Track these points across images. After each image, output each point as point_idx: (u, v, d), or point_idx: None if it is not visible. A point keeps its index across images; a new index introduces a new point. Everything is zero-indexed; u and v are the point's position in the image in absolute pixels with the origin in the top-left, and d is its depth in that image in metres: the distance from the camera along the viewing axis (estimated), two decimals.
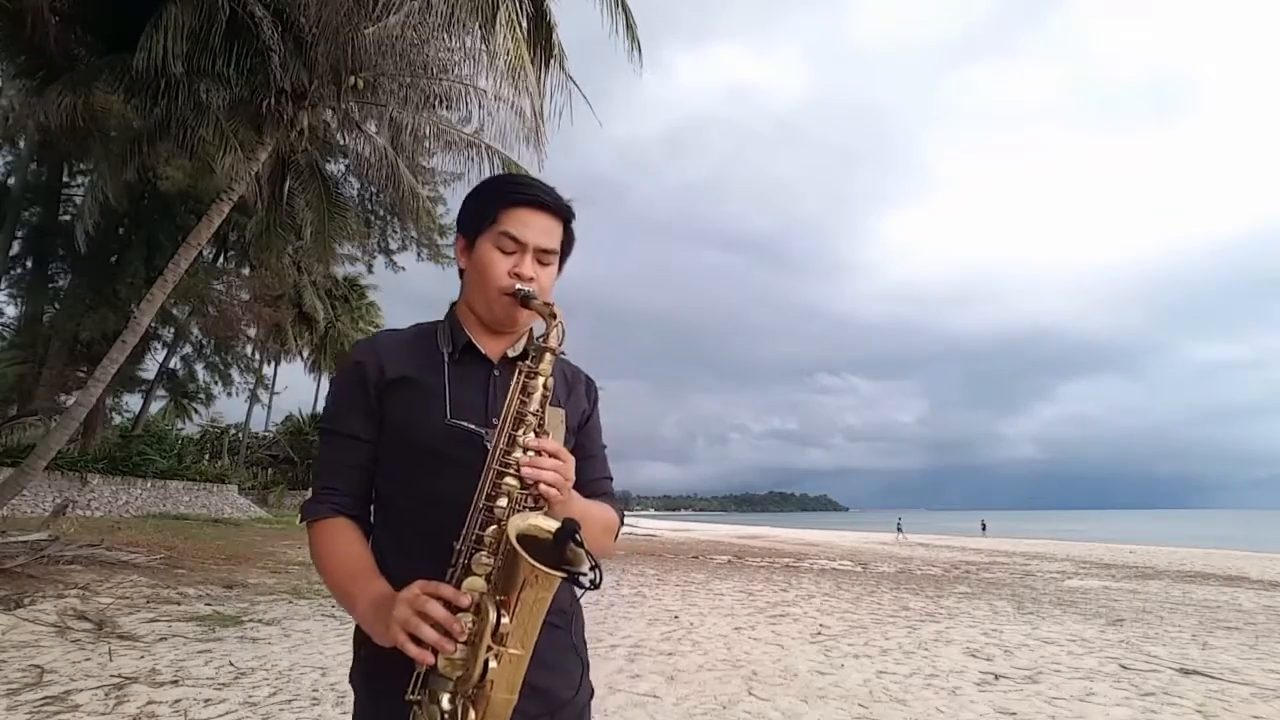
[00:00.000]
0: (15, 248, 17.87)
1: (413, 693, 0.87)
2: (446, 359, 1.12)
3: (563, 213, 1.16)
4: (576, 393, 1.24)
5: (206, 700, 3.83)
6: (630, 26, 10.35)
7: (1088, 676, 5.06)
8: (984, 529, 44.21)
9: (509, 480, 0.93)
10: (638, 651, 5.57)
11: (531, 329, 1.19)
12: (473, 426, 1.06)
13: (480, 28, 8.83)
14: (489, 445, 1.01)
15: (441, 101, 10.97)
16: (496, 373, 1.14)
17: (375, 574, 1.01)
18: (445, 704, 0.85)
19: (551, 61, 10.13)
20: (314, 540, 1.07)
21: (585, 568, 0.86)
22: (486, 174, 11.54)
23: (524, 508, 0.93)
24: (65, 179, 17.51)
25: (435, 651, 0.85)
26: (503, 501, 0.92)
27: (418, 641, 0.85)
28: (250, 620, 6.07)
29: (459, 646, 0.85)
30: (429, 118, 11.05)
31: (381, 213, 17.17)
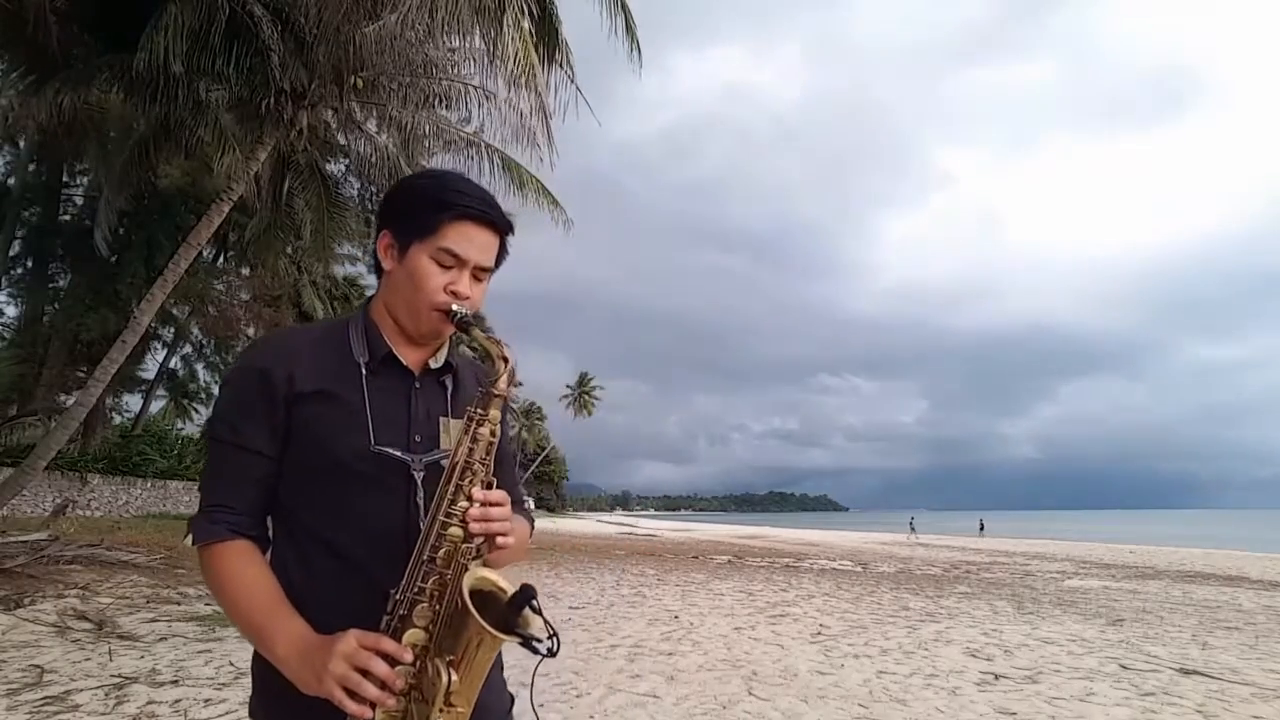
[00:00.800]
0: (15, 248, 17.88)
1: None
2: (364, 370, 1.03)
3: (505, 228, 1.08)
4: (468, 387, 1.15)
5: (206, 700, 3.83)
6: (630, 27, 10.35)
7: (1088, 676, 5.06)
8: (982, 529, 44.18)
9: (454, 530, 0.89)
10: (638, 651, 5.57)
11: (451, 337, 1.12)
12: (399, 454, 1.00)
13: (485, 27, 8.82)
14: (416, 474, 1.00)
15: (441, 101, 10.98)
16: (418, 385, 1.07)
17: (288, 608, 0.93)
18: None
19: (556, 56, 10.13)
20: (211, 565, 0.97)
21: (541, 633, 0.84)
22: (487, 173, 11.54)
23: (467, 561, 0.90)
24: (65, 179, 17.52)
25: (373, 706, 0.82)
26: (445, 551, 0.89)
27: (356, 697, 0.81)
28: None
29: (399, 699, 0.83)
30: (429, 117, 11.05)
31: None
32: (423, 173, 1.16)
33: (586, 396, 75.33)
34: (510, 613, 0.85)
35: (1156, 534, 42.93)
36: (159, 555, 9.56)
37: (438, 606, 0.87)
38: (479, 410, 0.95)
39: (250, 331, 24.32)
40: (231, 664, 4.60)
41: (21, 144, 15.67)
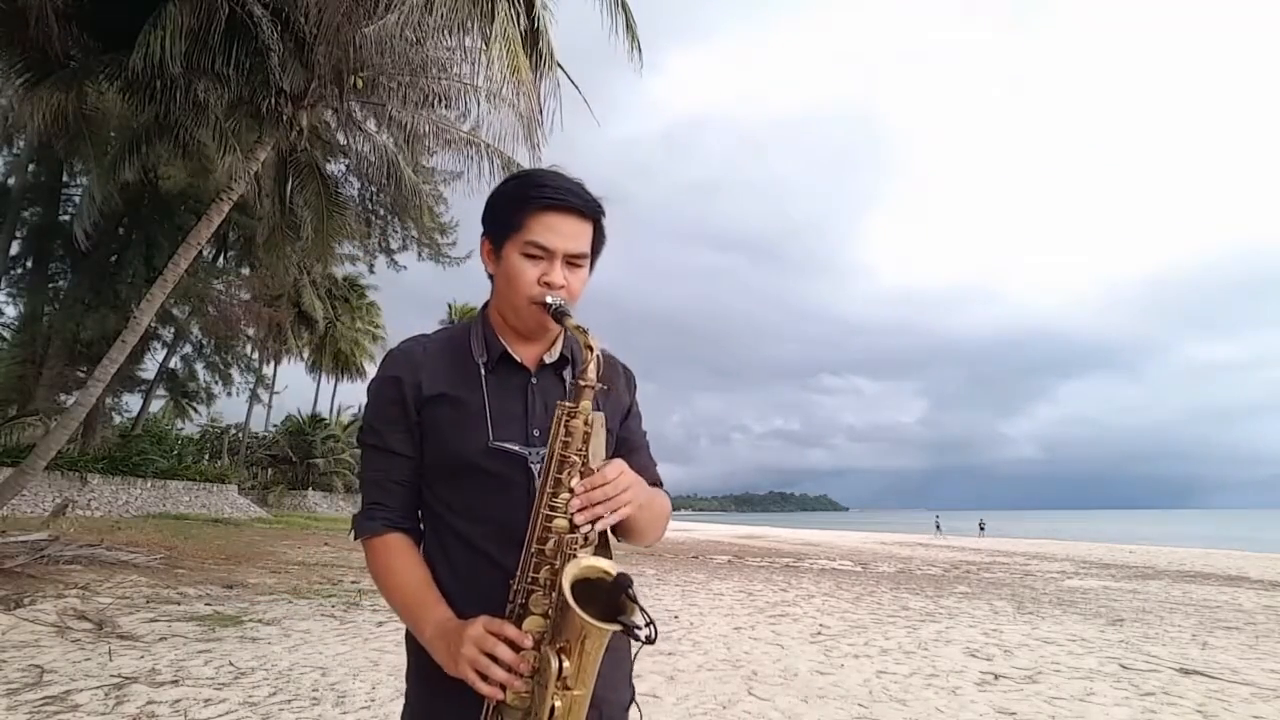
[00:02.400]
0: (15, 248, 17.89)
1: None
2: (483, 370, 1.10)
3: (592, 212, 1.10)
4: (616, 387, 1.20)
5: (206, 700, 3.83)
6: (630, 26, 10.36)
7: (1088, 676, 5.05)
8: (982, 529, 44.15)
9: (559, 522, 0.94)
10: (639, 654, 5.56)
11: (565, 330, 1.14)
12: (516, 448, 1.06)
13: (478, 28, 8.82)
14: (533, 466, 1.04)
15: (440, 100, 10.98)
16: (534, 380, 1.12)
17: (437, 596, 1.03)
18: None
19: (543, 64, 10.13)
20: (372, 557, 1.09)
21: (639, 620, 0.88)
22: (486, 173, 11.54)
23: (573, 552, 0.94)
24: (65, 179, 17.52)
25: (503, 687, 0.89)
26: (552, 543, 0.94)
27: (486, 679, 0.89)
28: (250, 620, 6.07)
29: (526, 681, 0.90)
30: (428, 116, 11.05)
31: (382, 212, 17.17)
32: (511, 175, 1.20)
33: None
34: (609, 602, 0.89)
35: (1156, 534, 42.94)
36: (159, 555, 9.56)
37: (550, 595, 0.93)
38: (570, 403, 0.98)
39: (250, 332, 24.36)
40: (231, 664, 4.60)
41: (21, 144, 15.67)
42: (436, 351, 1.13)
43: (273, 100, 9.41)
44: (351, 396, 43.04)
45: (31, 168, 17.30)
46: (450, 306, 36.87)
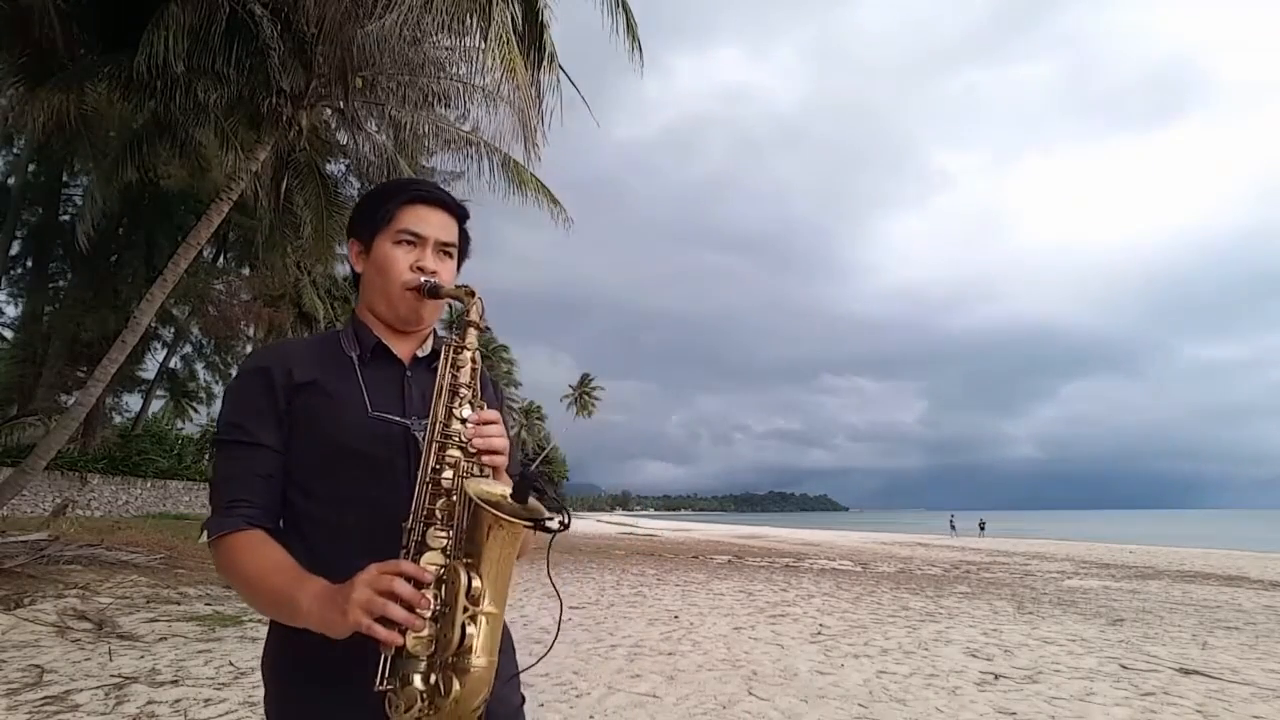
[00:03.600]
0: (15, 248, 17.90)
1: (381, 682, 0.82)
2: (356, 361, 1.08)
3: (457, 210, 1.16)
4: (486, 394, 1.17)
5: (206, 700, 3.83)
6: (631, 26, 10.36)
7: (1088, 676, 5.05)
8: (982, 528, 44.09)
9: (452, 452, 0.93)
10: (638, 651, 5.56)
11: (435, 330, 1.19)
12: (396, 418, 1.05)
13: (477, 26, 8.82)
14: (415, 434, 1.03)
15: (440, 100, 10.98)
16: (409, 373, 1.11)
17: (307, 573, 0.92)
18: (420, 683, 0.82)
19: (544, 63, 10.13)
20: (227, 556, 0.97)
21: (548, 515, 0.86)
22: (486, 173, 11.56)
23: (471, 476, 0.93)
24: (65, 179, 17.53)
25: (403, 632, 0.81)
26: (448, 473, 0.92)
27: (385, 623, 0.80)
28: (250, 620, 6.07)
29: (427, 623, 0.82)
30: (428, 116, 11.05)
31: None
32: (376, 185, 1.25)
33: (587, 397, 75.28)
34: (517, 503, 0.86)
35: (1156, 534, 42.91)
36: (159, 555, 9.56)
37: (449, 525, 0.89)
38: (455, 337, 1.02)
39: (250, 332, 24.34)
40: (231, 664, 4.60)
41: (21, 144, 15.67)
42: (304, 347, 1.12)
43: (272, 100, 9.40)
44: None
45: (31, 168, 17.30)
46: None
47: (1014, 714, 4.12)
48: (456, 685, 0.81)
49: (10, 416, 16.23)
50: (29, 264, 18.73)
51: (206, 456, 32.02)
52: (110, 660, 4.55)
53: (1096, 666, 5.39)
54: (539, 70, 10.08)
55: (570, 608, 7.83)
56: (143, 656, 4.69)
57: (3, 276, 17.60)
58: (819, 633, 6.64)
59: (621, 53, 10.29)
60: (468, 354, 1.00)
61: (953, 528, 40.20)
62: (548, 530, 0.85)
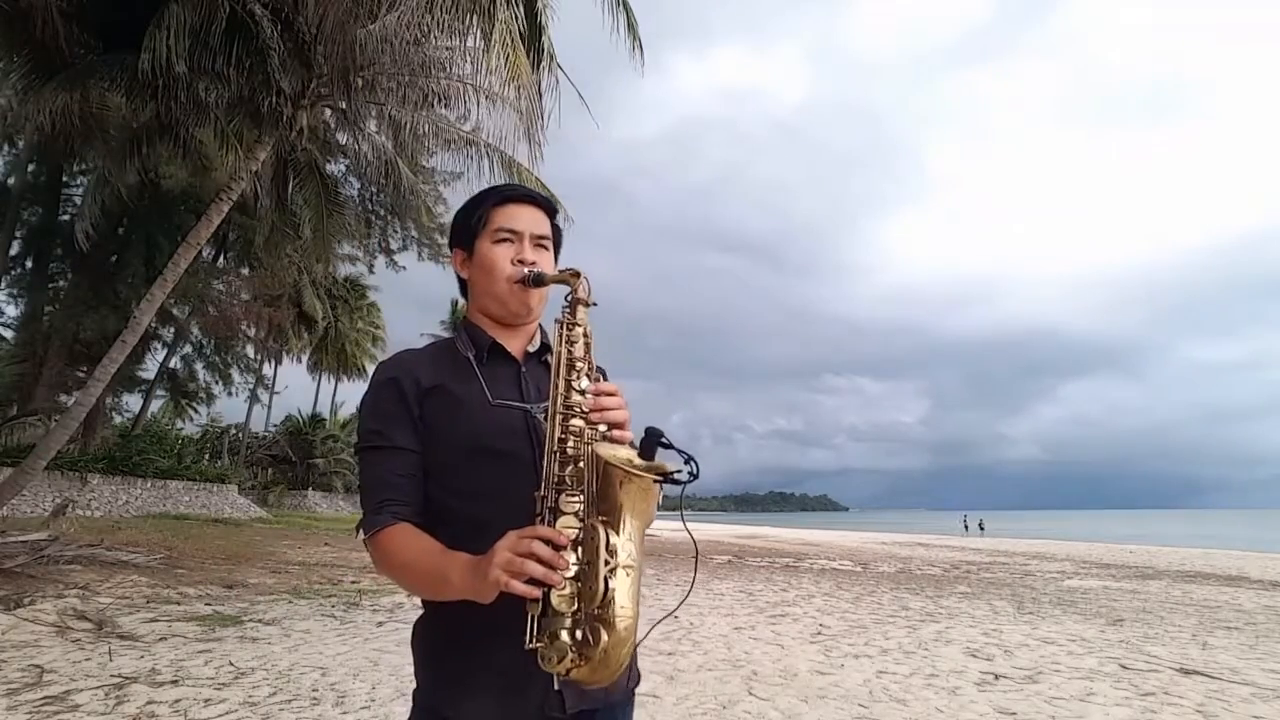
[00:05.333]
0: (15, 248, 17.89)
1: (531, 641, 0.88)
2: (474, 361, 1.16)
3: (546, 205, 1.22)
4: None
5: (206, 700, 3.83)
6: (632, 26, 10.36)
7: (1088, 676, 5.05)
8: (981, 528, 44.02)
9: (576, 421, 0.97)
10: (641, 653, 5.56)
11: (542, 328, 1.25)
12: (516, 403, 1.12)
13: (478, 26, 8.82)
14: (536, 416, 1.09)
15: (440, 100, 10.98)
16: (524, 369, 1.18)
17: (454, 551, 1.00)
18: (568, 637, 0.87)
19: (543, 63, 10.14)
20: (382, 547, 1.05)
21: (675, 468, 0.89)
22: (486, 173, 11.56)
23: (597, 441, 0.97)
24: (65, 179, 17.52)
25: (547, 591, 0.86)
26: (573, 441, 0.96)
27: (527, 583, 0.86)
28: (250, 620, 6.07)
29: (567, 583, 0.87)
30: (428, 116, 11.05)
31: (382, 212, 17.17)
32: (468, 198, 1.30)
33: None
34: (645, 458, 0.90)
35: (1156, 534, 42.92)
36: (159, 555, 9.56)
37: (579, 489, 0.93)
38: (566, 314, 1.07)
39: (250, 332, 24.35)
40: (231, 664, 4.60)
41: (21, 144, 15.66)
42: (426, 355, 1.19)
43: (273, 100, 9.40)
44: (351, 396, 43.06)
45: (31, 168, 17.29)
46: (454, 305, 36.81)
47: (1014, 714, 4.12)
48: (605, 635, 0.86)
49: (10, 416, 16.24)
50: (29, 264, 18.72)
51: (206, 457, 32.07)
52: (110, 660, 4.55)
53: (1096, 666, 5.38)
54: (538, 71, 10.08)
55: None
56: (143, 656, 4.69)
57: (3, 276, 17.60)
58: (819, 633, 6.64)
59: (621, 53, 10.30)
60: (580, 329, 1.05)
61: (966, 527, 39.99)
62: (676, 482, 0.89)
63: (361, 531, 1.10)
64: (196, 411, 30.90)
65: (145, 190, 14.83)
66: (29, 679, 4.05)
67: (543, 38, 10.11)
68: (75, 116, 9.05)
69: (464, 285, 1.25)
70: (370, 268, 24.56)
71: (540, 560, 0.86)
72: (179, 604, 6.68)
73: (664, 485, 0.90)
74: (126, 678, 4.17)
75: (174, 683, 4.13)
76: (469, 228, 1.19)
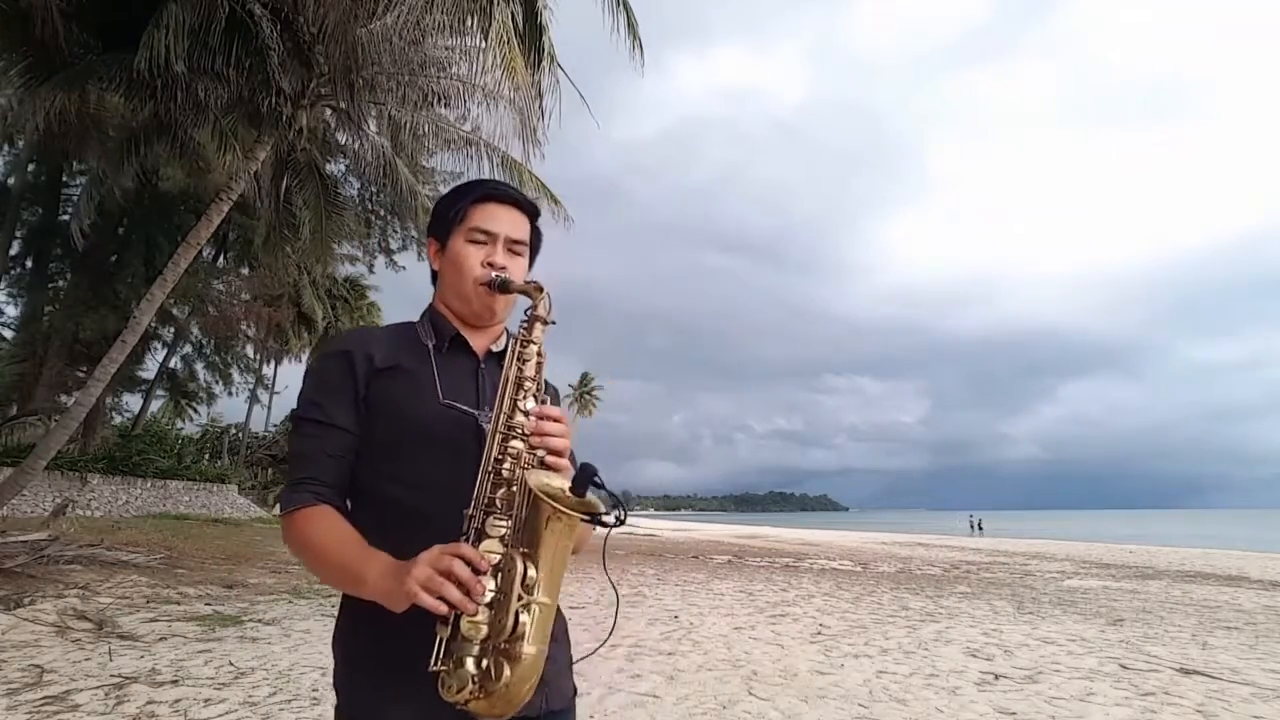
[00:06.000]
0: (15, 247, 17.88)
1: (436, 663, 0.86)
2: (432, 350, 1.13)
3: (528, 208, 1.20)
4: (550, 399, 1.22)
5: (206, 700, 3.83)
6: (632, 25, 10.35)
7: (1088, 676, 5.05)
8: (981, 528, 43.89)
9: (515, 444, 0.96)
10: (638, 651, 5.56)
11: (507, 329, 1.23)
12: (466, 408, 1.09)
13: (477, 26, 8.82)
14: (484, 425, 1.05)
15: (439, 100, 10.98)
16: (483, 365, 1.16)
17: (374, 549, 0.97)
18: (473, 666, 0.85)
19: (543, 63, 10.13)
20: (298, 529, 1.02)
21: (604, 509, 0.88)
22: (485, 172, 11.54)
23: (531, 468, 0.95)
24: (65, 179, 17.51)
25: (457, 616, 0.85)
26: (509, 464, 0.94)
27: (440, 600, 0.84)
28: (250, 620, 6.07)
29: (480, 609, 0.85)
30: (428, 116, 11.05)
31: (382, 212, 17.18)
32: (451, 187, 1.28)
33: (587, 396, 75.24)
34: (576, 496, 0.88)
35: (1156, 534, 42.93)
36: (159, 555, 9.56)
37: (508, 515, 0.91)
38: (522, 331, 1.05)
39: (250, 332, 24.34)
40: (231, 664, 4.60)
41: (21, 144, 15.66)
42: (385, 334, 1.16)
43: (272, 100, 9.40)
44: None
45: (31, 168, 17.29)
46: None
47: (1014, 714, 4.12)
48: (507, 671, 0.84)
49: (10, 416, 16.23)
50: (29, 264, 18.73)
51: (206, 457, 32.06)
52: (110, 660, 4.55)
53: (1096, 666, 5.39)
54: (539, 70, 10.07)
55: (570, 608, 7.82)
56: (143, 656, 4.69)
57: (3, 276, 17.59)
58: (819, 633, 6.64)
59: (622, 53, 10.29)
60: (534, 348, 1.03)
61: (972, 528, 39.74)
62: (604, 524, 0.88)
63: (278, 506, 1.07)
64: (196, 411, 30.93)
65: (144, 190, 14.83)
66: (29, 679, 4.05)
67: (543, 38, 10.10)
68: (73, 117, 9.05)
69: (434, 275, 1.23)
70: (370, 268, 24.59)
71: (458, 582, 0.84)
72: (179, 604, 6.68)
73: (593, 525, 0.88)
74: (126, 678, 4.17)
75: (174, 683, 4.13)
76: (446, 220, 1.17)
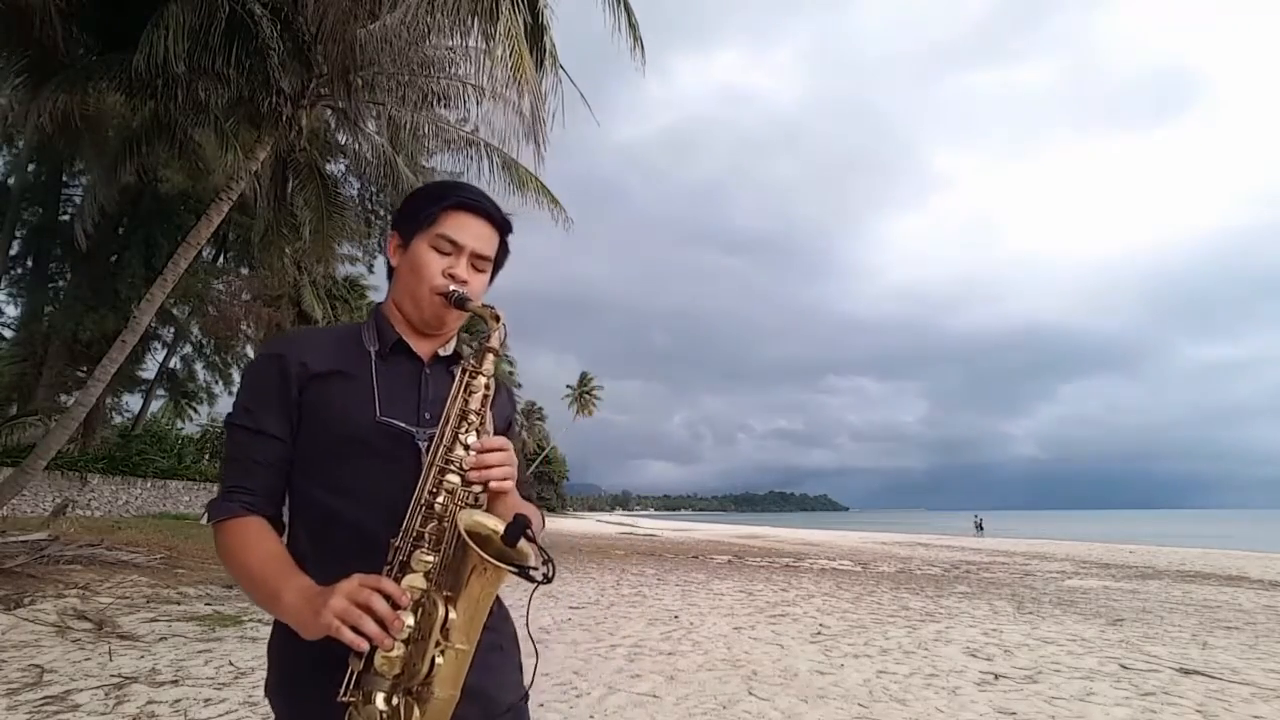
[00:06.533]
0: (15, 247, 17.89)
1: (345, 694, 0.84)
2: (374, 356, 1.09)
3: (501, 223, 1.16)
4: (500, 398, 1.19)
5: (206, 700, 3.83)
6: (632, 24, 10.34)
7: (1088, 676, 5.05)
8: (981, 528, 43.81)
9: (450, 478, 0.93)
10: (638, 651, 5.56)
11: (459, 336, 1.20)
12: (404, 425, 1.04)
13: (480, 26, 8.81)
14: (420, 444, 1.02)
15: (440, 100, 10.97)
16: (427, 371, 1.12)
17: (296, 569, 0.95)
18: (382, 703, 0.83)
19: (545, 63, 10.12)
20: (225, 540, 1.01)
21: (536, 562, 0.86)
22: (486, 173, 11.56)
23: (466, 505, 0.93)
24: (65, 179, 17.52)
25: (372, 649, 0.83)
26: (443, 499, 0.92)
27: (356, 632, 0.82)
28: (250, 620, 6.07)
29: (396, 645, 0.83)
30: (428, 116, 11.04)
31: (381, 212, 17.17)
32: (430, 182, 1.24)
33: (587, 396, 75.20)
34: (506, 545, 0.86)
35: (1156, 534, 42.92)
36: (159, 555, 9.56)
37: (436, 550, 0.89)
38: (472, 362, 1.01)
39: (250, 332, 24.33)
40: (231, 664, 4.60)
41: (21, 144, 15.66)
42: (324, 338, 1.13)
43: (272, 100, 9.39)
44: None
45: (31, 168, 17.30)
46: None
47: (1014, 714, 4.12)
48: (416, 712, 0.83)
49: (10, 416, 16.23)
50: (29, 264, 18.73)
51: (206, 456, 32.04)
52: (110, 660, 4.55)
53: (1096, 666, 5.39)
54: (541, 70, 10.06)
55: (570, 608, 7.83)
56: (143, 656, 4.69)
57: (3, 276, 17.59)
58: (819, 633, 6.64)
59: (621, 53, 10.28)
60: (482, 379, 1.00)
61: (977, 527, 39.59)
62: (530, 580, 0.84)
63: (206, 516, 1.07)
64: (196, 411, 30.88)
65: (144, 191, 14.83)
66: (29, 679, 4.05)
67: (545, 37, 10.09)
68: (76, 118, 9.04)
69: (390, 271, 1.18)
70: (370, 268, 24.59)
71: (376, 617, 0.82)
72: (179, 604, 6.68)
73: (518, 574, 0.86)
74: (126, 678, 4.17)
75: (174, 683, 4.13)
76: (415, 219, 1.12)
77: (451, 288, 1.08)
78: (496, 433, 1.14)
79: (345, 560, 0.92)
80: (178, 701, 3.78)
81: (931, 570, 14.50)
